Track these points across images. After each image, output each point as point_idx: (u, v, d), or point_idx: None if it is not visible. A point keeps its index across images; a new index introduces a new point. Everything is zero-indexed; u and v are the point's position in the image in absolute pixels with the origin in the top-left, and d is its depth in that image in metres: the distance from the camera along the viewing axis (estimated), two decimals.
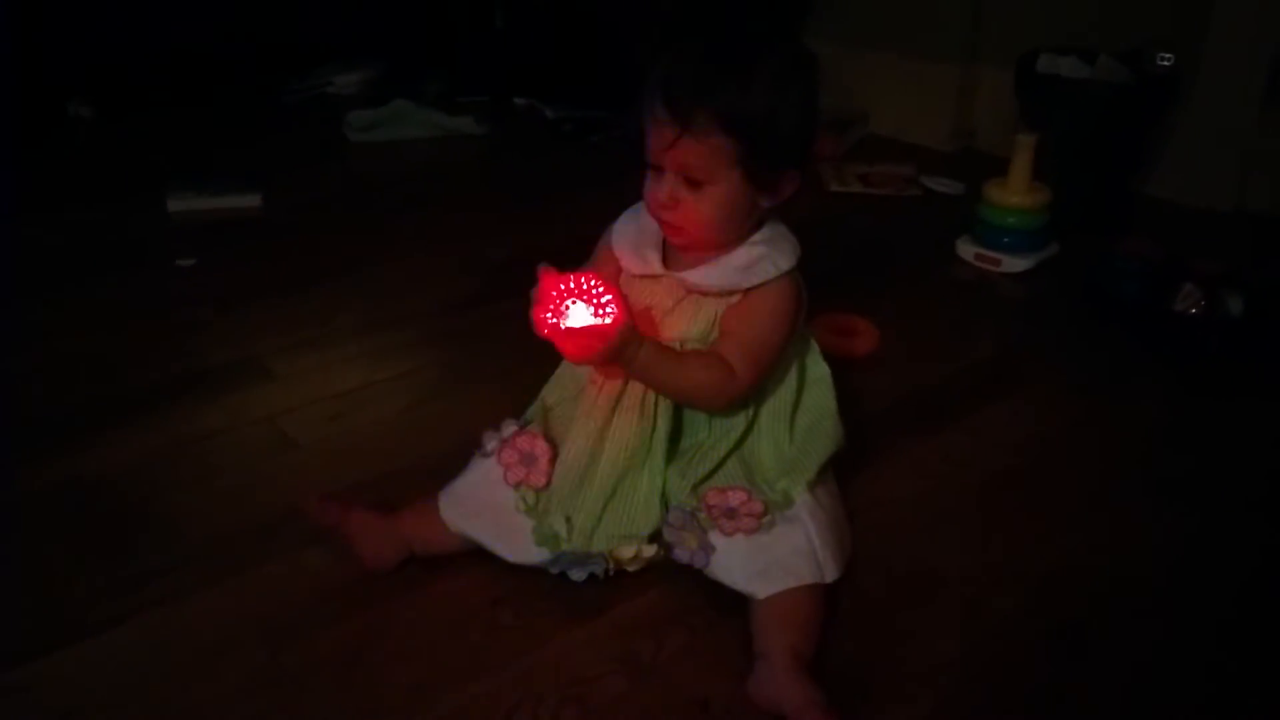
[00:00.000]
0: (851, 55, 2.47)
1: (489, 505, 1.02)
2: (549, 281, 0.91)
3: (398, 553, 1.03)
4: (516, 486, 1.02)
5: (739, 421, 1.03)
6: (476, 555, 1.03)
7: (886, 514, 1.14)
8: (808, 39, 2.56)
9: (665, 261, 1.02)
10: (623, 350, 0.92)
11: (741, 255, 0.99)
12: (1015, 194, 1.72)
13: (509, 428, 1.06)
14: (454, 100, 2.50)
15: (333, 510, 1.04)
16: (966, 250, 1.79)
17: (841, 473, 1.13)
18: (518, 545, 1.01)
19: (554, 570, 1.01)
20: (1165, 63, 1.87)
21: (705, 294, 1.00)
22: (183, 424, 1.28)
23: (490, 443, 1.06)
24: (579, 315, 0.91)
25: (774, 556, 0.96)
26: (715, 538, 0.98)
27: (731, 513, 0.98)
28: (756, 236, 1.00)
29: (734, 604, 0.98)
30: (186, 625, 0.97)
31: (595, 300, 0.91)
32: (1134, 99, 1.87)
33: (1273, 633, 1.00)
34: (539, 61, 2.62)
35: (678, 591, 1.01)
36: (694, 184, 0.94)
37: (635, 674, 0.92)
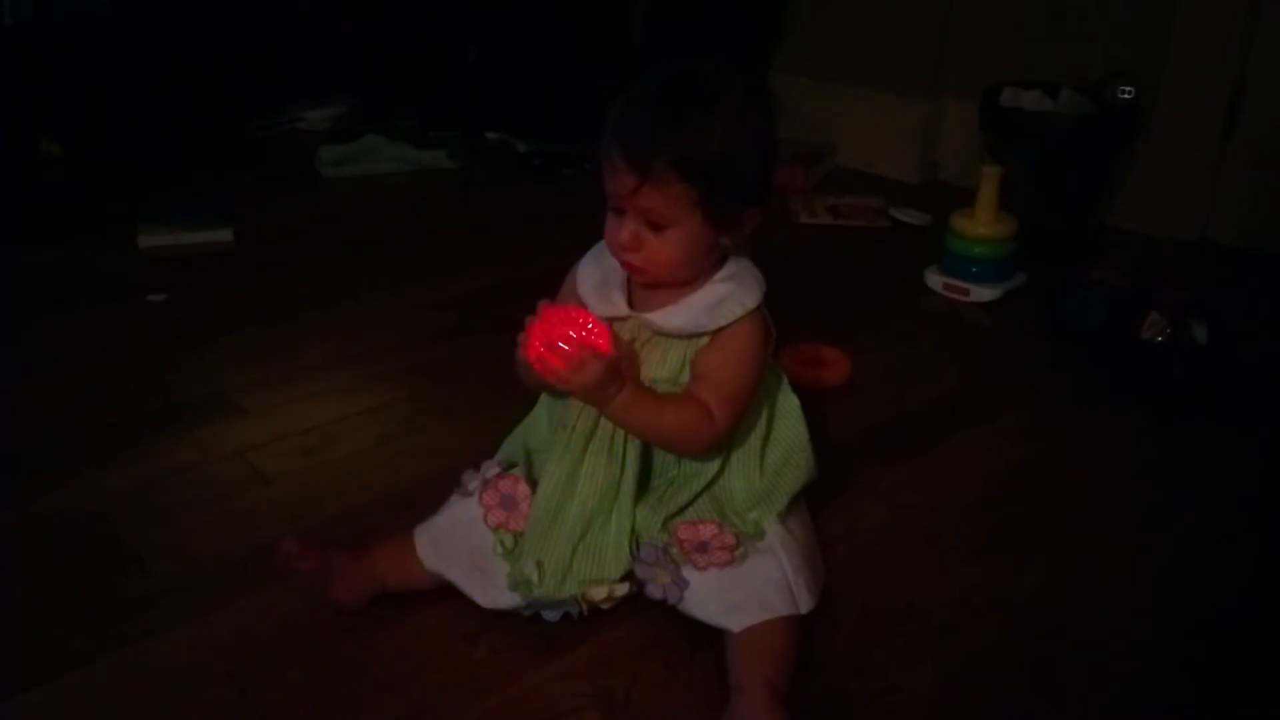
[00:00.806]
0: (820, 89, 2.52)
1: (466, 546, 1.02)
2: (549, 312, 0.93)
3: (371, 589, 1.02)
4: (496, 529, 1.02)
5: (710, 459, 1.03)
6: (449, 591, 1.02)
7: (858, 544, 1.15)
8: (776, 73, 2.60)
9: (631, 302, 1.01)
10: (608, 383, 0.92)
11: (707, 295, 0.98)
12: (982, 225, 1.75)
13: (491, 469, 1.06)
14: (426, 135, 2.51)
15: (306, 555, 1.01)
16: (935, 280, 1.81)
17: (813, 503, 1.14)
18: (491, 590, 1.00)
19: (527, 613, 1.00)
20: (1126, 95, 1.91)
21: (673, 336, 0.99)
22: (154, 460, 1.27)
23: (471, 483, 1.05)
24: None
25: (748, 589, 0.96)
26: (689, 573, 0.98)
27: (704, 546, 0.98)
28: (721, 274, 0.99)
29: (708, 637, 0.98)
30: (157, 663, 0.96)
31: (590, 332, 0.92)
32: (1096, 131, 1.91)
33: (1243, 662, 1.01)
34: (510, 96, 2.64)
35: (652, 625, 1.00)
36: (656, 226, 0.94)
37: (610, 708, 0.92)
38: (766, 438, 1.06)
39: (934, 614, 1.05)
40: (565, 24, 2.40)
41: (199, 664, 0.96)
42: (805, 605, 0.98)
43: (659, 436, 0.99)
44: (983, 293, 1.77)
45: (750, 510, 1.03)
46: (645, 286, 1.00)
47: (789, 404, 1.08)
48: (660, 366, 1.00)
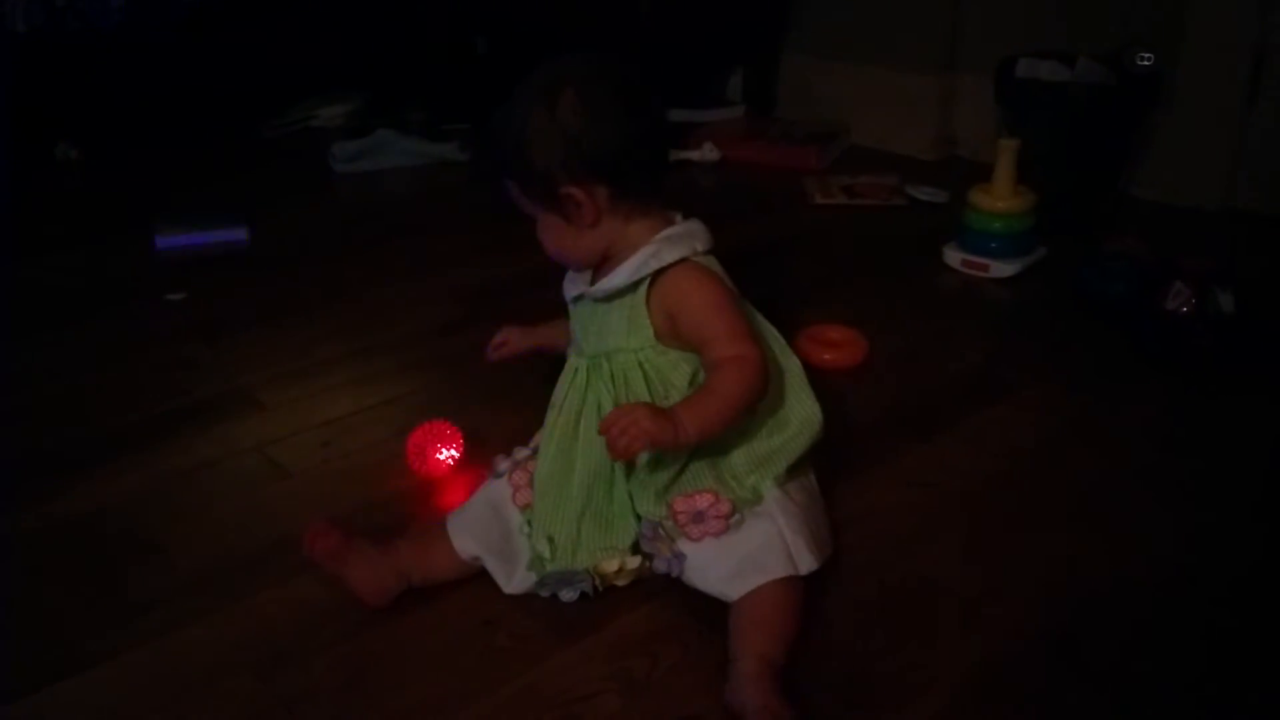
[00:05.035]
0: (831, 68, 2.50)
1: (497, 526, 1.03)
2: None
3: (397, 584, 1.02)
4: (523, 509, 1.04)
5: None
6: (470, 579, 1.03)
7: (878, 523, 1.13)
8: (787, 53, 2.58)
9: (593, 283, 1.04)
10: (661, 417, 0.92)
11: (636, 258, 1.00)
12: (1000, 199, 1.73)
13: (521, 452, 1.08)
14: (437, 128, 2.51)
15: (331, 538, 1.02)
16: (953, 257, 1.79)
17: (832, 482, 1.13)
18: (515, 573, 1.01)
19: (544, 593, 1.00)
20: (1145, 62, 1.87)
21: (607, 300, 1.02)
22: (174, 456, 1.28)
23: (502, 465, 1.08)
24: (444, 455, 1.19)
25: (743, 554, 0.96)
26: (683, 545, 0.98)
27: (699, 516, 0.98)
28: (656, 237, 1.01)
29: (727, 618, 0.97)
30: (181, 655, 0.97)
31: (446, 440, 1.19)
32: (1115, 100, 1.88)
33: (1273, 637, 0.99)
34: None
35: (671, 607, 1.00)
36: (533, 220, 1.03)
37: (630, 691, 0.91)
38: (766, 399, 1.04)
39: (955, 592, 1.03)
40: (574, 14, 2.39)
41: (222, 655, 0.96)
42: (805, 565, 0.96)
43: (736, 407, 0.98)
44: (1003, 268, 1.74)
45: (749, 475, 1.02)
46: (595, 269, 1.04)
47: (791, 365, 1.08)
48: (606, 331, 1.03)
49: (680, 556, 0.98)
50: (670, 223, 1.03)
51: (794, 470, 1.05)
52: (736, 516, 0.98)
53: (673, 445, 0.94)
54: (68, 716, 0.91)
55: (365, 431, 1.33)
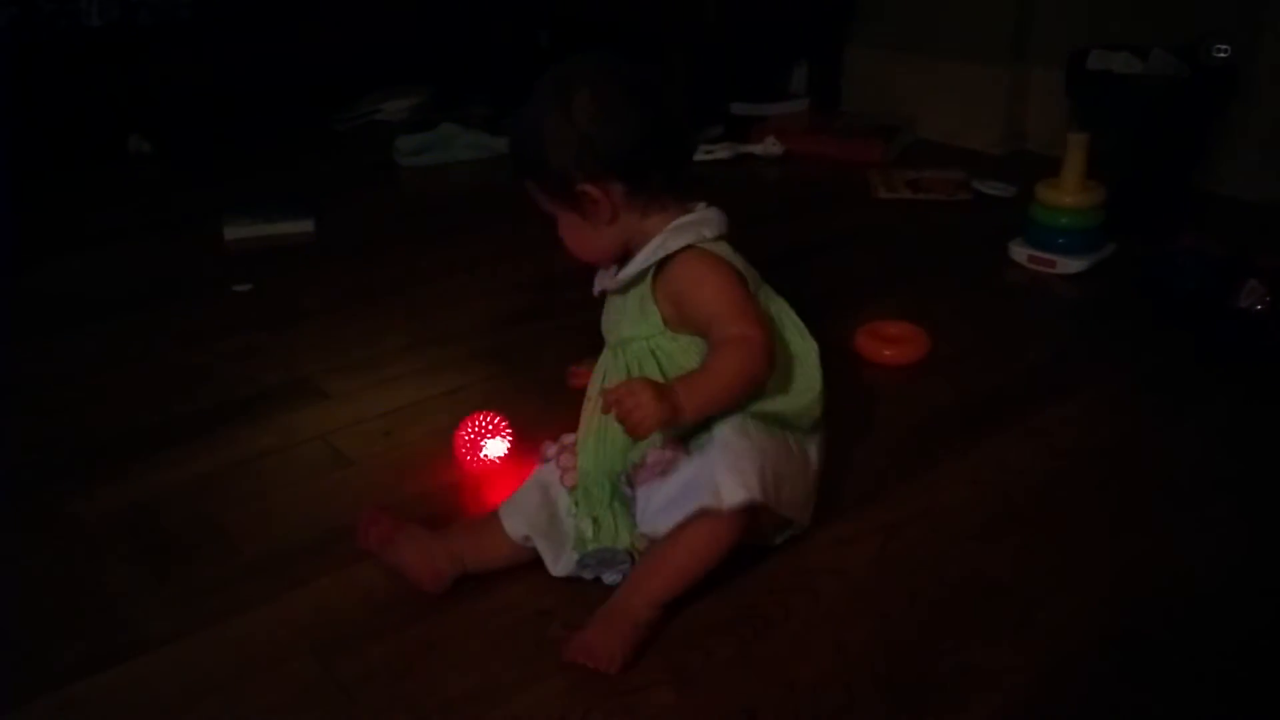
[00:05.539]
0: (898, 60, 2.47)
1: (545, 506, 1.05)
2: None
3: (452, 569, 1.03)
4: (571, 490, 1.06)
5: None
6: (525, 569, 1.04)
7: (940, 520, 1.12)
8: (853, 46, 2.55)
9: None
10: (659, 394, 0.93)
11: (648, 248, 1.03)
12: (1069, 194, 1.69)
13: (569, 437, 1.10)
14: (500, 122, 2.52)
15: (383, 524, 1.05)
16: (1020, 253, 1.76)
17: (894, 479, 1.12)
18: (562, 555, 1.03)
19: (587, 575, 1.02)
20: (1222, 54, 1.82)
21: (624, 291, 1.06)
22: (239, 444, 1.30)
23: (550, 449, 1.10)
24: (495, 447, 1.20)
25: (670, 493, 0.97)
26: (632, 491, 1.01)
27: (662, 461, 1.00)
28: (668, 228, 1.03)
29: (783, 613, 0.97)
30: (242, 639, 0.99)
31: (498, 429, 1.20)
32: (1189, 93, 1.83)
33: None
34: None
35: (726, 601, 1.00)
36: (555, 219, 1.06)
37: (683, 684, 0.91)
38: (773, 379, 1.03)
39: (1016, 592, 1.02)
40: (636, 6, 2.39)
41: (283, 639, 0.98)
42: (731, 497, 0.93)
43: (733, 387, 0.99)
44: (1070, 264, 1.71)
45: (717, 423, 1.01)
46: (619, 263, 1.07)
47: (806, 349, 1.06)
48: (623, 321, 1.07)
49: (633, 504, 1.00)
50: (687, 213, 1.05)
51: (776, 423, 1.03)
52: (683, 457, 0.99)
53: (672, 425, 0.95)
54: (131, 697, 0.93)
55: (427, 421, 1.34)
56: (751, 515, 0.97)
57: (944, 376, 1.42)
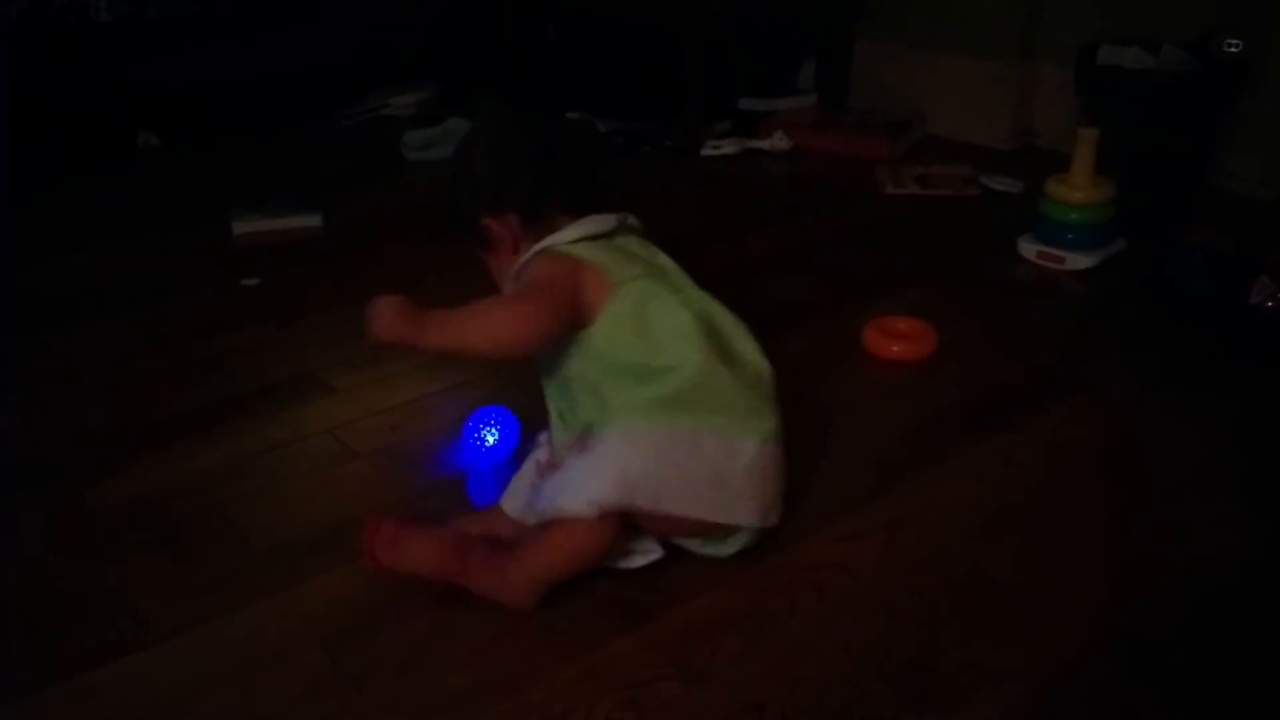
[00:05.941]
0: (906, 55, 2.46)
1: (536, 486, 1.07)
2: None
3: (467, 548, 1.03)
4: None
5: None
6: None
7: (945, 517, 1.12)
8: (861, 41, 2.55)
9: None
10: (409, 319, 1.01)
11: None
12: (1078, 189, 1.69)
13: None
14: None
15: (386, 529, 1.02)
16: (1028, 249, 1.75)
17: (900, 475, 1.11)
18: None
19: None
20: (1233, 49, 1.81)
21: None
22: (246, 437, 1.31)
23: (543, 437, 1.13)
24: (501, 439, 1.21)
25: (550, 491, 0.99)
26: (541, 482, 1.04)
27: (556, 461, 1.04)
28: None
29: (790, 609, 0.97)
30: (249, 631, 0.99)
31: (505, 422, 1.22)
32: (1200, 88, 1.82)
33: None
34: (591, 75, 2.64)
35: (732, 595, 1.00)
36: None
37: (690, 678, 0.91)
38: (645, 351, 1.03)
39: (1023, 589, 1.02)
40: (643, 1, 2.38)
41: (291, 632, 0.98)
42: (585, 507, 0.94)
43: (469, 333, 1.03)
44: (1079, 260, 1.70)
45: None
46: None
47: (679, 319, 1.03)
48: None
49: (539, 491, 1.03)
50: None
51: (685, 419, 0.99)
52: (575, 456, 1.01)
53: (406, 342, 1.02)
54: (139, 688, 0.93)
55: (433, 415, 1.34)
56: (622, 521, 0.97)
57: (951, 372, 1.41)
